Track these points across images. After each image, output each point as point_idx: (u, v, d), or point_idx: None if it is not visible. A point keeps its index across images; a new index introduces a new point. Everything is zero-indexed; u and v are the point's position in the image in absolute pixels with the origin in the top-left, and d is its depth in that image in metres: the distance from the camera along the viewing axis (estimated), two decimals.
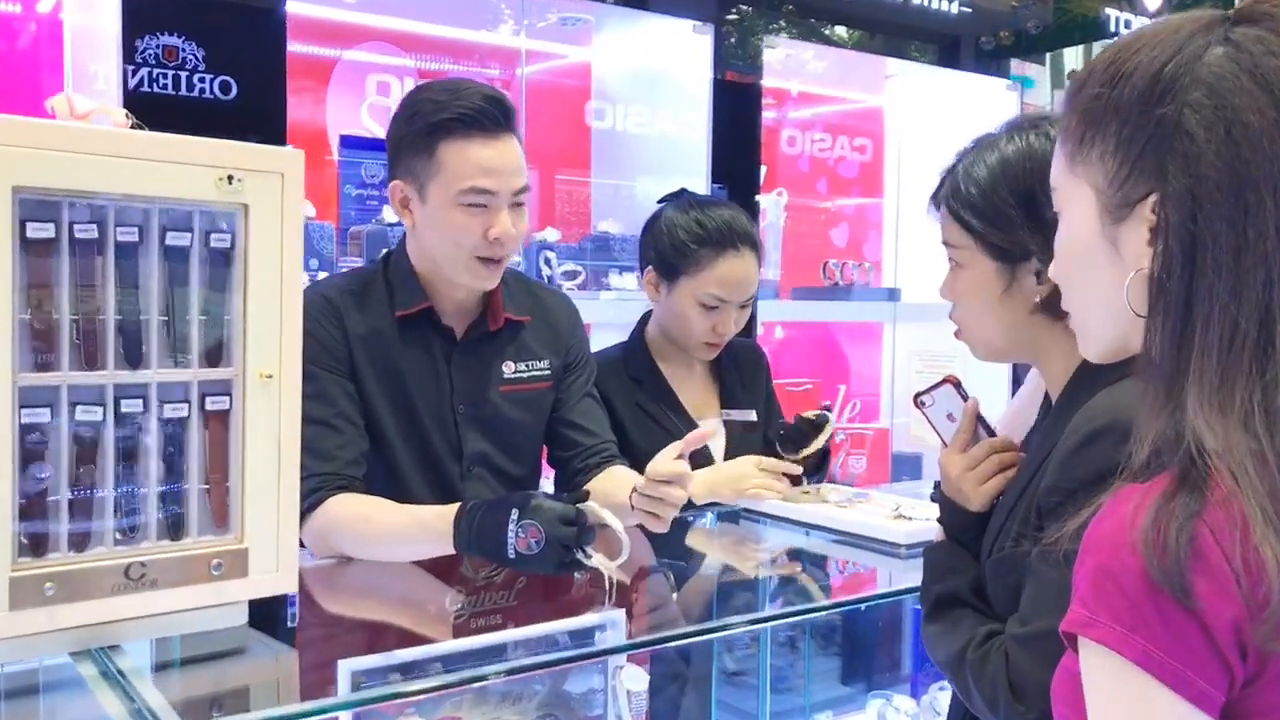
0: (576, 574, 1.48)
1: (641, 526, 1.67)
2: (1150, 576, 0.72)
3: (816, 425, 2.00)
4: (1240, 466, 0.73)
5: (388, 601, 1.61)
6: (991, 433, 1.38)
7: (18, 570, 1.08)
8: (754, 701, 2.13)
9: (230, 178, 1.18)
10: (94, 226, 1.11)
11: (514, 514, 1.40)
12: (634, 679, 1.71)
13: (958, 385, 1.41)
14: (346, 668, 1.34)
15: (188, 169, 1.15)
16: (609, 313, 2.92)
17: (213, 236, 1.19)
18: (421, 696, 1.38)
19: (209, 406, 1.21)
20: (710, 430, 1.70)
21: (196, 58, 2.59)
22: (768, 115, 3.94)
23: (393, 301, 1.74)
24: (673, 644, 1.42)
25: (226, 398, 1.21)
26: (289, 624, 1.52)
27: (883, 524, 1.75)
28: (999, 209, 1.22)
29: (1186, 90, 0.78)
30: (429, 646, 1.44)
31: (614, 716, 1.79)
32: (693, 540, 1.98)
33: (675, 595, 1.69)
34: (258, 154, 1.20)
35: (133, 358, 1.15)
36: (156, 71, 2.54)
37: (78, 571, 1.11)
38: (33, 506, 1.10)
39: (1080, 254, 0.89)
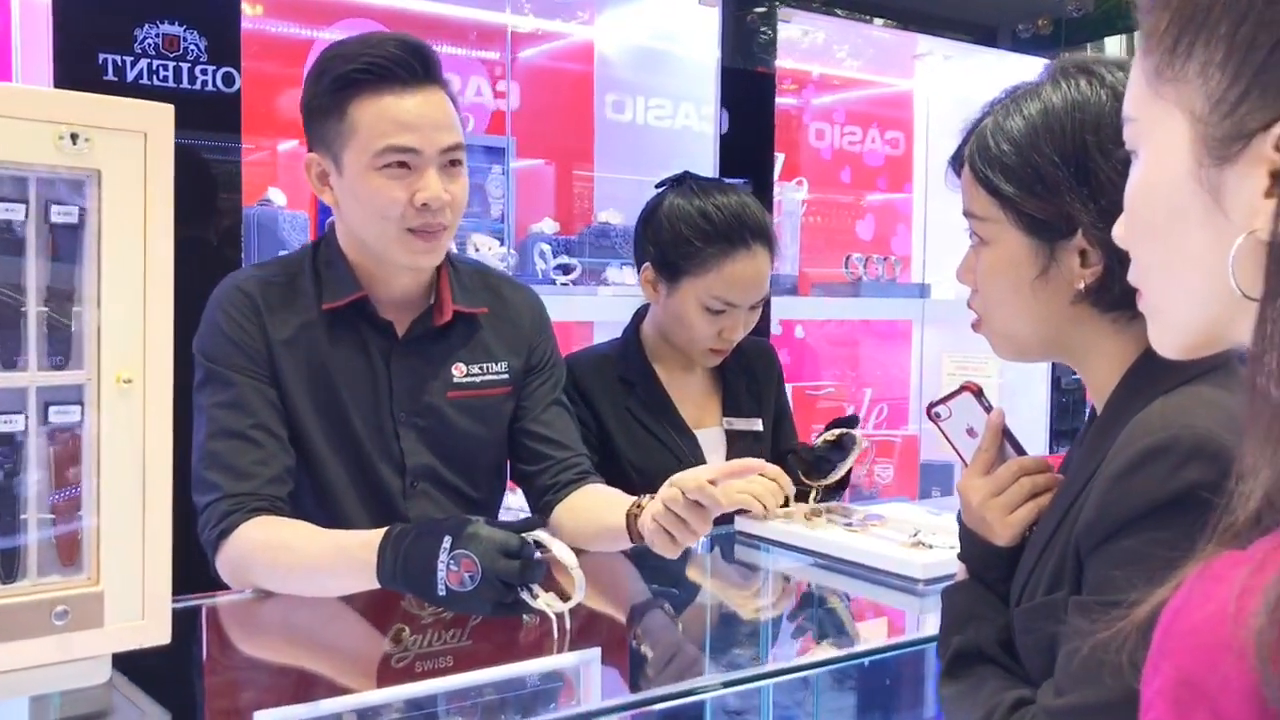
0: (525, 617, 1.25)
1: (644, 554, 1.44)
2: (1265, 699, 0.48)
3: (841, 446, 1.75)
4: None
5: (310, 643, 1.38)
6: (1021, 450, 1.14)
7: None
8: None
9: (74, 136, 0.95)
10: None
11: (446, 542, 1.17)
12: None
13: (978, 394, 1.17)
14: None
15: (16, 124, 0.93)
16: (608, 310, 2.68)
17: (54, 209, 0.96)
18: None
19: (53, 419, 0.98)
20: (758, 464, 1.46)
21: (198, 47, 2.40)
22: (786, 101, 3.69)
23: (320, 293, 1.51)
24: (655, 706, 1.18)
25: (76, 407, 0.99)
26: (199, 669, 1.31)
27: (897, 553, 1.50)
28: (1039, 170, 0.98)
29: None
30: (354, 697, 1.22)
31: None
32: (680, 569, 1.74)
33: (660, 640, 1.45)
34: (111, 108, 0.98)
35: None
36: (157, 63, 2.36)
37: None
38: None
39: (1162, 207, 0.64)
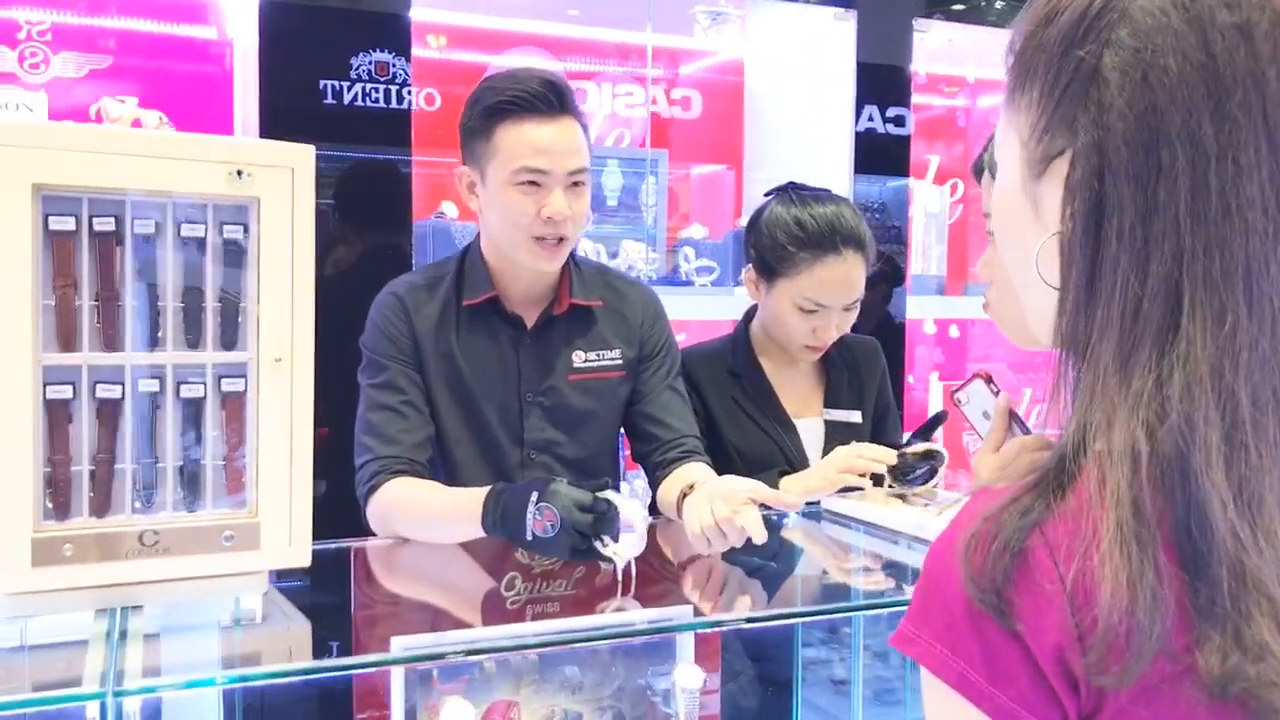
0: (601, 563, 1.47)
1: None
2: (968, 591, 0.65)
3: (929, 457, 1.86)
4: (1115, 470, 0.64)
5: (434, 582, 1.66)
6: (1026, 430, 1.28)
7: (40, 532, 1.19)
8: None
9: (240, 172, 1.25)
10: (112, 220, 1.21)
11: (533, 497, 1.41)
12: (687, 676, 1.68)
13: (989, 380, 1.32)
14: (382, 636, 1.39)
15: (199, 165, 1.23)
16: (741, 309, 2.87)
17: (226, 228, 1.27)
18: (435, 663, 1.42)
19: (224, 388, 1.28)
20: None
21: (405, 72, 2.78)
22: (945, 103, 3.77)
23: (461, 291, 1.79)
24: (693, 631, 1.38)
25: (241, 379, 1.29)
26: (344, 598, 1.60)
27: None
28: None
29: (1112, 28, 0.67)
30: (470, 631, 1.47)
31: (676, 714, 1.77)
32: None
33: (726, 586, 1.65)
34: (267, 150, 1.27)
35: (150, 341, 1.24)
36: (370, 86, 2.75)
37: (94, 535, 1.21)
38: (56, 475, 1.21)
39: (1007, 210, 0.78)
